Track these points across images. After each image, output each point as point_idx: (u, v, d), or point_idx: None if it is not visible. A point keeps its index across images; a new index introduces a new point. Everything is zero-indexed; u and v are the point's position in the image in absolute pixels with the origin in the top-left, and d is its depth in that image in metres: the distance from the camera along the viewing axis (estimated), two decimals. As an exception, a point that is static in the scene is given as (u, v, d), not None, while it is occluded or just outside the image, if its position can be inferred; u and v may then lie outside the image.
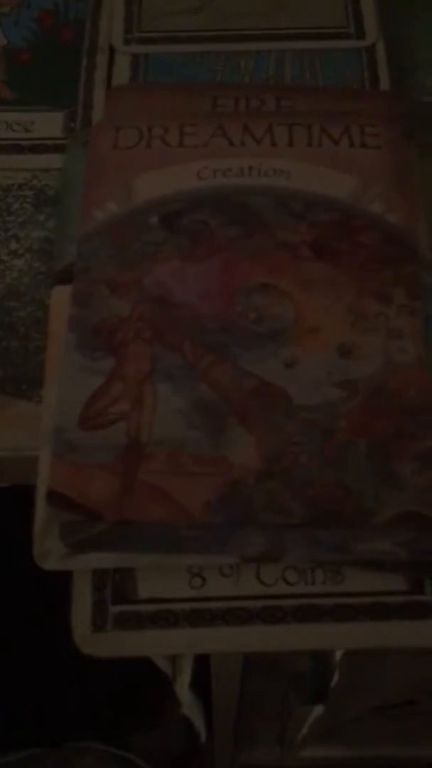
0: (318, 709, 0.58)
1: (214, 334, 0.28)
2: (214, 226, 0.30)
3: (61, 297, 0.29)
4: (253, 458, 0.25)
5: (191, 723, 0.66)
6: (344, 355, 0.27)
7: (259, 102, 0.33)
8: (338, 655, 0.44)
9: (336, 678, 0.49)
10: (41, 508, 0.25)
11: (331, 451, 0.25)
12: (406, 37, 0.36)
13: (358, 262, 0.29)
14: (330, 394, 0.26)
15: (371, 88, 0.34)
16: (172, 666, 0.51)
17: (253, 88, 0.34)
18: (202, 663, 0.46)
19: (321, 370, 0.27)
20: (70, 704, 0.66)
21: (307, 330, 0.28)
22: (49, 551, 0.24)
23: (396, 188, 0.30)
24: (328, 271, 0.29)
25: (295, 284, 0.28)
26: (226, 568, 0.25)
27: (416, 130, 0.33)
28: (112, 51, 0.36)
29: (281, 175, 0.31)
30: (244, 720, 0.65)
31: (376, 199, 0.30)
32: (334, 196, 0.30)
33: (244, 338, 0.27)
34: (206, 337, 0.27)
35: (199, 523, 0.24)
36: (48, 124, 0.34)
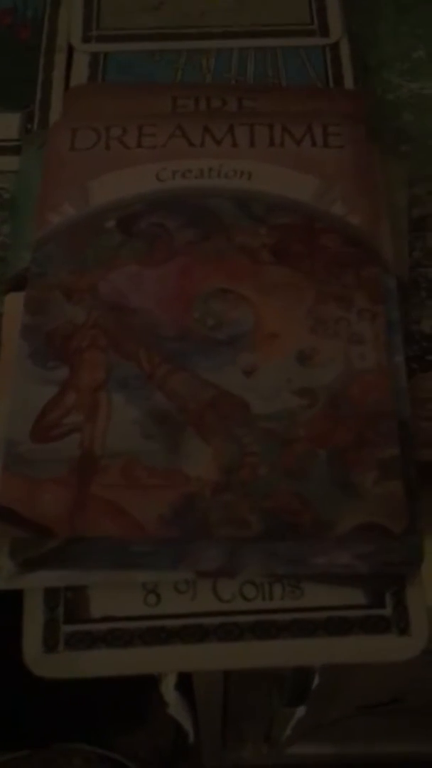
0: (300, 710, 0.58)
1: (171, 342, 0.27)
2: (172, 230, 0.29)
3: (14, 304, 0.28)
4: (210, 470, 0.25)
5: (179, 723, 0.65)
6: (304, 362, 0.26)
7: (220, 102, 0.32)
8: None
9: (316, 680, 0.49)
10: (-9, 524, 0.24)
11: (291, 461, 0.25)
12: (371, 34, 0.36)
13: (319, 265, 0.28)
14: (289, 402, 0.26)
15: (335, 87, 0.33)
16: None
17: (214, 88, 0.33)
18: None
19: (280, 378, 0.26)
20: (57, 706, 0.66)
21: (266, 336, 0.27)
22: (-1, 569, 0.24)
23: (358, 189, 0.29)
24: (288, 275, 0.28)
25: (254, 289, 0.28)
26: (181, 584, 0.24)
27: (380, 129, 0.32)
28: (70, 50, 0.35)
29: (242, 177, 0.30)
30: (230, 719, 0.64)
31: (338, 200, 0.29)
32: (296, 197, 0.29)
33: (201, 345, 0.27)
34: (163, 345, 0.27)
35: (153, 537, 0.24)
36: (3, 125, 0.33)
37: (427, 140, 0.33)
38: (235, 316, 0.27)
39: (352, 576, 0.24)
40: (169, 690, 0.52)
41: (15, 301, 0.28)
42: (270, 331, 0.27)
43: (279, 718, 0.64)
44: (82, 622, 0.24)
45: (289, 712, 0.59)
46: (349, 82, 0.33)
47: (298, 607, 0.24)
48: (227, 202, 0.29)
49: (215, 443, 0.25)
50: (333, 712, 0.60)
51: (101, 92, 0.34)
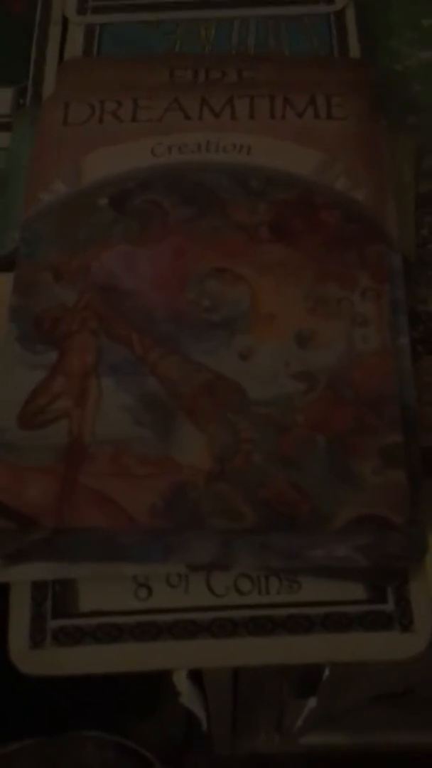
0: (311, 701, 0.57)
1: (165, 325, 0.26)
2: (167, 207, 0.28)
3: (2, 286, 0.27)
4: (204, 458, 0.23)
5: (191, 711, 0.65)
6: (303, 344, 0.25)
7: (219, 73, 0.31)
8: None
9: (327, 672, 0.48)
10: (-24, 514, 0.23)
11: (287, 449, 0.24)
12: (378, 1, 0.34)
13: (320, 243, 0.27)
14: (287, 387, 0.24)
15: (339, 56, 0.32)
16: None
17: (212, 59, 0.32)
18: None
19: (278, 361, 0.25)
20: (69, 693, 0.65)
21: (263, 317, 0.26)
22: (-17, 562, 0.23)
23: (363, 163, 0.28)
24: (287, 253, 0.27)
25: (251, 268, 0.26)
26: (173, 577, 0.23)
27: (387, 100, 0.30)
28: (65, 22, 0.34)
29: (241, 151, 0.29)
30: (241, 708, 0.64)
31: (341, 175, 0.28)
32: (297, 172, 0.28)
33: (196, 328, 0.25)
34: (156, 327, 0.26)
35: (143, 528, 0.23)
36: (-4, 101, 0.32)
37: (437, 111, 0.31)
38: (231, 296, 0.26)
39: (351, 569, 0.22)
40: (181, 679, 0.52)
41: (3, 282, 0.27)
42: (267, 311, 0.26)
43: (290, 708, 0.63)
44: (71, 617, 0.23)
45: (300, 703, 0.59)
46: (354, 52, 0.32)
47: (296, 602, 0.23)
48: (225, 178, 0.28)
49: (209, 430, 0.24)
50: (345, 703, 0.59)
51: (96, 65, 0.32)
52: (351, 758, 0.71)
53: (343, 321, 0.25)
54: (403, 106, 0.31)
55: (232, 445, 0.24)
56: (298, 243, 0.27)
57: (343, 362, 0.25)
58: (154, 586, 0.23)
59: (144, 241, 0.27)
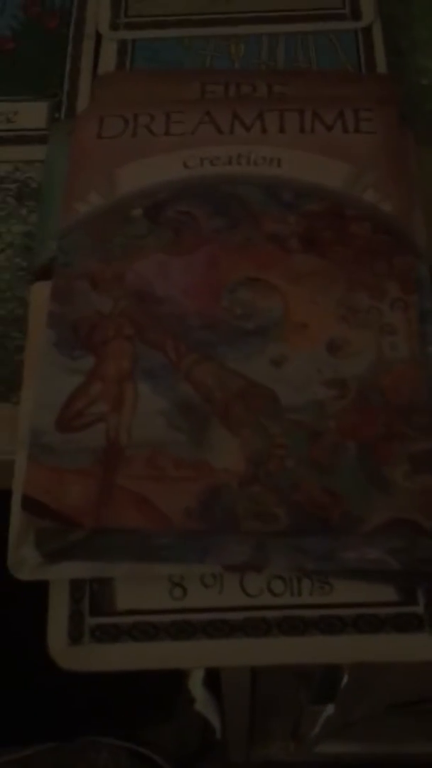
0: (329, 708, 0.57)
1: (199, 332, 0.26)
2: (199, 218, 0.28)
3: (41, 293, 0.28)
4: (237, 462, 0.24)
5: (206, 718, 0.65)
6: (334, 352, 0.26)
7: (249, 88, 0.32)
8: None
9: (345, 679, 0.48)
10: (16, 514, 0.24)
11: (319, 454, 0.24)
12: (404, 17, 0.35)
13: (350, 254, 0.27)
14: (319, 394, 0.25)
15: (367, 71, 0.33)
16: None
17: (243, 74, 0.33)
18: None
19: (310, 368, 0.25)
20: (85, 699, 0.66)
21: (295, 326, 0.26)
22: (24, 560, 0.23)
23: (391, 176, 0.29)
24: (318, 263, 0.27)
25: (283, 278, 0.27)
26: (208, 577, 0.24)
27: (413, 114, 0.31)
28: (98, 38, 0.35)
29: (271, 164, 0.29)
30: (257, 716, 0.64)
31: (369, 188, 0.29)
32: (326, 184, 0.29)
33: (229, 335, 0.26)
34: (190, 334, 0.26)
35: (179, 530, 0.23)
36: (32, 114, 0.33)
37: (463, 125, 0.32)
38: (263, 305, 0.27)
39: (383, 572, 0.23)
40: (196, 686, 0.52)
41: (42, 290, 0.28)
42: (299, 320, 0.26)
43: (307, 715, 0.64)
44: (108, 615, 0.23)
45: (318, 709, 0.59)
46: (381, 67, 0.33)
47: (327, 603, 0.23)
48: (256, 190, 0.29)
49: (243, 434, 0.25)
50: (362, 711, 0.59)
51: (129, 80, 0.33)
52: (366, 767, 0.71)
53: (372, 330, 0.26)
54: (429, 120, 0.32)
55: (266, 450, 0.24)
56: (328, 254, 0.27)
57: (373, 370, 0.25)
58: (189, 586, 0.24)
59: (178, 250, 0.28)
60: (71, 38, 0.35)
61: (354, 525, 0.23)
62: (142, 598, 0.23)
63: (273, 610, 0.23)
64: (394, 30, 0.34)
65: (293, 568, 0.23)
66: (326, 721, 0.60)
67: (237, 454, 0.24)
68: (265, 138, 0.30)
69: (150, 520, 0.23)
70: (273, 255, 0.28)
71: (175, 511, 0.23)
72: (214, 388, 0.25)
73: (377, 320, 0.26)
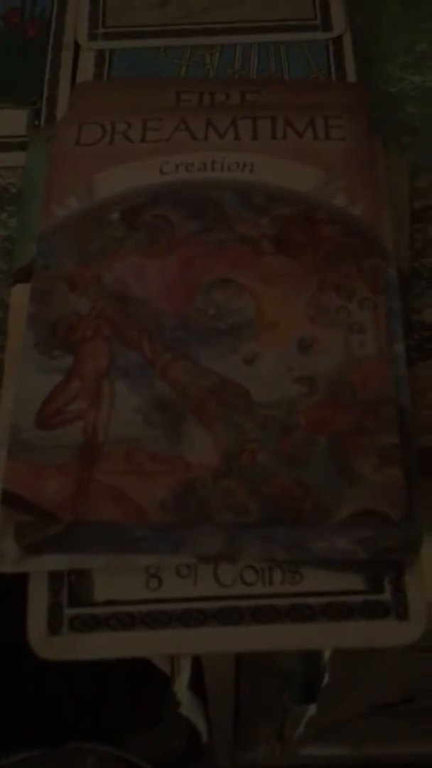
0: (312, 708, 0.58)
1: (173, 331, 0.27)
2: (175, 222, 0.29)
3: (21, 295, 0.28)
4: (211, 456, 0.25)
5: (192, 723, 0.66)
6: (304, 350, 0.27)
7: (223, 96, 0.33)
8: (327, 655, 0.44)
9: (326, 678, 0.49)
10: (-3, 509, 0.25)
11: (290, 448, 0.25)
12: (375, 27, 0.36)
13: (320, 255, 0.28)
14: (289, 390, 0.26)
15: (337, 80, 0.34)
16: (170, 666, 0.51)
17: (217, 83, 0.34)
18: (200, 664, 0.46)
19: (281, 366, 0.26)
20: (71, 705, 0.66)
21: (267, 325, 0.27)
22: (4, 553, 0.24)
23: (360, 181, 0.30)
24: (289, 265, 0.28)
25: (255, 279, 0.28)
26: (183, 568, 0.24)
27: (382, 121, 0.32)
28: (77, 47, 0.35)
29: (244, 169, 0.30)
30: (242, 719, 0.64)
31: (339, 192, 0.29)
32: (298, 189, 0.30)
33: (203, 335, 0.27)
34: (165, 334, 0.27)
35: (154, 523, 0.24)
36: (12, 121, 0.34)
37: (429, 132, 0.33)
38: (236, 305, 0.28)
39: (351, 562, 0.24)
40: (182, 689, 0.52)
41: (21, 292, 0.28)
42: (271, 320, 0.27)
43: (291, 717, 0.64)
44: (86, 606, 0.24)
45: (301, 710, 0.60)
46: (351, 76, 0.34)
47: (298, 592, 0.24)
48: (229, 194, 0.30)
49: (216, 430, 0.25)
50: (345, 711, 0.60)
51: (107, 88, 0.34)
52: (352, 769, 0.72)
53: (341, 329, 0.27)
54: (397, 127, 0.33)
55: (238, 445, 0.25)
56: (299, 255, 0.28)
57: (342, 367, 0.26)
58: (165, 576, 0.24)
59: (153, 253, 0.29)
60: (50, 48, 0.36)
61: (323, 516, 0.24)
62: (119, 588, 0.24)
63: (246, 600, 0.24)
64: (364, 40, 0.35)
65: (265, 558, 0.24)
66: (310, 722, 0.61)
67: (211, 448, 0.25)
68: (238, 144, 0.31)
69: (126, 513, 0.24)
70: (245, 257, 0.28)
71: (151, 504, 0.24)
72: (188, 385, 0.26)
73: (346, 319, 0.27)
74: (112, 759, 0.69)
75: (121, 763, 0.69)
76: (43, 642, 0.24)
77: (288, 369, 0.26)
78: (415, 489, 0.24)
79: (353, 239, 0.29)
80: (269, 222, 0.29)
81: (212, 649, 0.24)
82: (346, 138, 0.31)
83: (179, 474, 0.25)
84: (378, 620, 0.24)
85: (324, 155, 0.30)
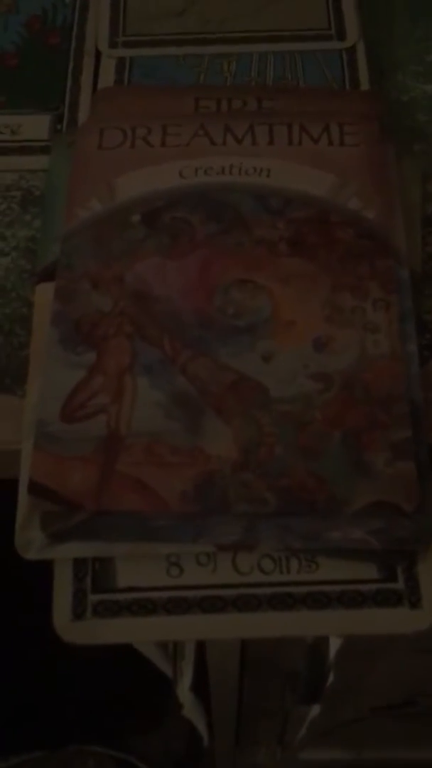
0: (315, 709, 0.58)
1: (193, 329, 0.28)
2: (194, 224, 0.30)
3: (45, 294, 0.29)
4: (230, 449, 0.26)
5: (193, 726, 0.66)
6: (320, 349, 0.28)
7: (240, 103, 0.34)
8: (332, 655, 0.45)
9: (331, 678, 0.49)
10: (23, 499, 0.25)
11: (306, 442, 0.26)
12: (387, 37, 0.37)
13: (335, 257, 0.29)
14: (306, 386, 0.27)
15: (351, 88, 0.35)
16: (173, 668, 0.52)
17: (234, 90, 0.35)
18: (202, 666, 0.47)
19: (297, 363, 0.27)
20: (72, 707, 0.67)
21: (284, 324, 0.28)
22: (31, 541, 0.25)
23: (373, 185, 0.31)
24: (305, 266, 0.29)
25: (272, 279, 0.29)
26: (202, 557, 0.25)
27: (395, 128, 0.33)
28: (98, 54, 0.37)
29: (261, 173, 0.31)
30: (244, 721, 0.65)
31: (353, 196, 0.30)
32: (313, 193, 0.31)
33: (222, 333, 0.28)
34: (185, 331, 0.28)
35: (175, 512, 0.25)
36: (35, 126, 0.35)
37: (441, 139, 0.34)
38: (254, 305, 0.28)
39: (365, 551, 0.25)
40: (184, 691, 0.53)
41: (45, 290, 0.29)
42: (288, 319, 0.28)
43: (293, 718, 0.65)
44: (109, 592, 0.25)
45: (304, 711, 0.60)
46: (364, 84, 0.35)
47: (314, 581, 0.25)
48: (247, 198, 0.31)
49: (235, 424, 0.26)
50: (347, 713, 0.60)
51: (127, 94, 0.35)
52: (352, 773, 0.72)
53: (356, 328, 0.28)
54: (409, 134, 0.34)
55: (256, 439, 0.26)
56: (314, 257, 0.29)
57: (357, 365, 0.27)
58: (185, 564, 0.25)
59: (173, 253, 0.30)
60: (72, 55, 0.37)
61: (338, 507, 0.25)
62: (141, 576, 0.25)
63: (263, 587, 0.25)
64: (377, 50, 0.36)
65: (282, 547, 0.25)
66: (312, 723, 0.61)
67: (230, 442, 0.26)
68: (255, 150, 0.32)
69: (148, 503, 0.25)
70: (263, 258, 0.29)
71: (172, 494, 0.25)
72: (208, 381, 0.27)
73: (361, 319, 0.28)
74: (112, 761, 0.69)
75: (122, 766, 0.69)
76: (68, 627, 0.24)
77: (304, 366, 0.27)
78: (428, 482, 0.25)
79: (367, 242, 0.30)
80: (285, 225, 0.30)
81: (230, 635, 0.25)
82: (359, 144, 0.32)
83: (199, 466, 0.25)
84: (391, 608, 0.24)
85: (338, 161, 0.31)
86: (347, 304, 0.28)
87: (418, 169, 0.32)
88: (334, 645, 0.43)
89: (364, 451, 0.26)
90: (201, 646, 0.41)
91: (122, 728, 0.72)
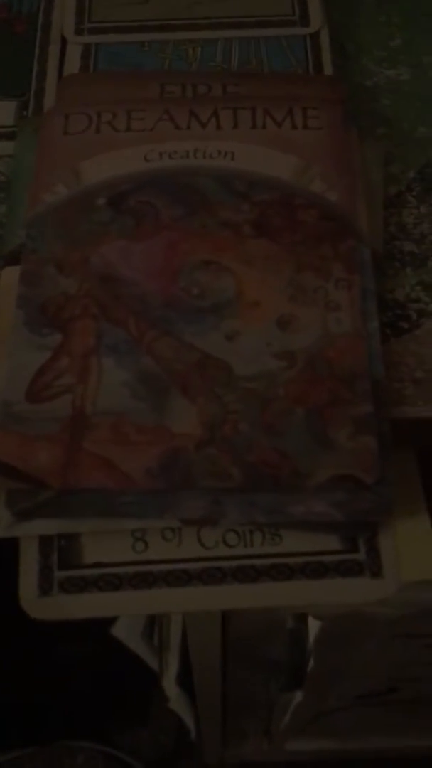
0: (298, 696, 0.59)
1: (158, 310, 0.28)
2: (159, 207, 0.31)
3: (10, 277, 0.30)
4: (194, 427, 0.26)
5: (180, 720, 0.66)
6: (283, 327, 0.28)
7: (205, 88, 0.34)
8: (311, 640, 0.45)
9: (311, 663, 0.50)
10: (-11, 479, 0.26)
11: (270, 419, 0.26)
12: (351, 23, 0.37)
13: (298, 238, 0.30)
14: (269, 364, 0.27)
15: (314, 73, 0.35)
16: (158, 661, 0.52)
17: (199, 75, 0.35)
18: (188, 659, 0.47)
19: (261, 342, 0.28)
20: (60, 703, 0.67)
21: (248, 304, 0.28)
22: (-3, 520, 0.25)
23: (336, 168, 0.31)
24: (269, 247, 0.30)
25: (237, 261, 0.29)
26: (168, 532, 0.26)
27: (358, 112, 0.34)
28: (63, 42, 0.37)
29: (226, 157, 0.32)
30: (230, 713, 0.65)
31: (316, 178, 0.31)
32: (277, 175, 0.31)
33: (186, 313, 0.28)
34: (150, 312, 0.28)
35: (140, 489, 0.25)
36: (1, 112, 0.35)
37: (402, 123, 0.34)
38: (218, 285, 0.29)
39: (327, 523, 0.25)
40: (170, 684, 0.53)
41: (11, 274, 0.30)
42: (252, 299, 0.29)
43: (277, 706, 0.65)
44: (75, 568, 0.25)
45: (287, 698, 0.61)
46: (328, 69, 0.35)
47: (277, 553, 0.25)
48: (211, 181, 0.31)
49: (199, 402, 0.27)
50: (330, 701, 0.61)
51: (93, 80, 0.35)
52: (339, 764, 0.73)
53: (318, 307, 0.28)
54: (372, 118, 0.34)
55: (221, 416, 0.26)
56: (278, 239, 0.30)
57: (319, 343, 0.28)
58: (150, 539, 0.25)
59: (138, 236, 0.30)
60: (38, 42, 0.37)
61: (301, 481, 0.25)
62: (107, 551, 0.25)
63: (228, 561, 0.25)
64: (341, 36, 0.37)
65: (246, 521, 0.25)
66: (296, 711, 0.62)
67: (194, 420, 0.26)
68: (219, 134, 0.32)
69: (113, 480, 0.25)
70: (227, 240, 0.30)
71: (137, 471, 0.25)
72: (173, 360, 0.27)
73: (323, 298, 0.29)
74: (101, 756, 0.69)
75: (111, 761, 0.69)
76: (35, 603, 0.25)
77: (267, 344, 0.28)
78: (388, 455, 0.26)
79: (330, 223, 0.30)
80: (250, 207, 0.30)
81: (196, 607, 0.25)
82: (323, 128, 0.32)
83: (164, 443, 0.26)
84: (353, 578, 0.25)
85: (302, 144, 0.32)
86: (310, 284, 0.29)
87: (381, 151, 0.32)
88: (313, 630, 0.43)
89: (327, 427, 0.26)
90: (186, 637, 0.41)
91: (111, 723, 0.72)
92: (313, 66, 0.35)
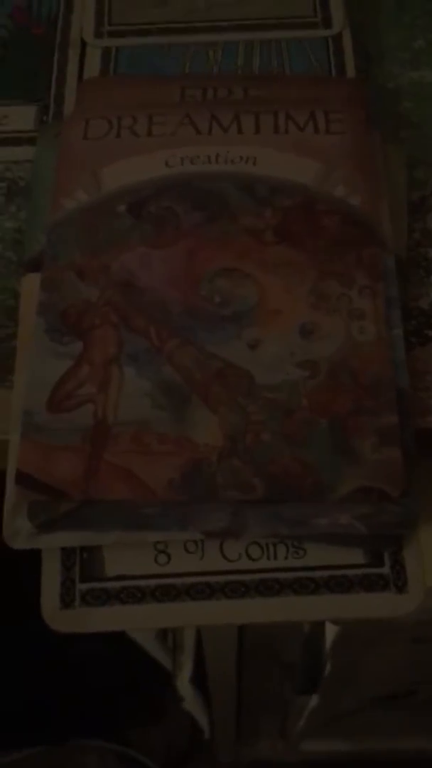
0: (314, 699, 0.59)
1: (179, 318, 0.28)
2: (180, 213, 0.30)
3: (31, 284, 0.29)
4: (216, 437, 0.26)
5: (194, 719, 0.66)
6: (306, 336, 0.28)
7: (226, 91, 0.34)
8: (328, 645, 0.45)
9: (328, 667, 0.49)
10: (10, 488, 0.26)
11: (293, 429, 0.26)
12: (373, 24, 0.37)
13: (321, 245, 0.29)
14: (292, 374, 0.27)
15: (337, 76, 0.35)
16: (172, 661, 0.52)
17: (220, 78, 0.35)
18: (202, 659, 0.47)
19: (283, 351, 0.27)
20: (73, 702, 0.67)
21: (270, 312, 0.28)
22: (18, 531, 0.25)
23: (359, 172, 0.31)
24: (291, 254, 0.29)
25: (258, 268, 0.29)
26: (190, 544, 0.25)
27: (380, 116, 0.33)
28: (83, 45, 0.36)
29: (247, 162, 0.31)
30: (244, 713, 0.65)
31: (339, 183, 0.30)
32: (299, 180, 0.31)
33: (208, 321, 0.28)
34: (171, 320, 0.28)
35: (162, 500, 0.25)
36: (21, 117, 0.35)
37: (426, 126, 0.34)
38: (240, 293, 0.28)
39: (351, 536, 0.25)
40: (184, 684, 0.53)
41: (32, 281, 0.29)
42: (274, 307, 0.28)
43: (293, 709, 0.65)
44: (97, 581, 0.25)
45: (303, 701, 0.60)
46: (351, 72, 0.35)
47: (301, 566, 0.25)
48: (233, 186, 0.31)
49: (221, 412, 0.26)
50: (346, 704, 0.61)
51: (113, 84, 0.35)
52: (353, 765, 0.73)
53: (342, 315, 0.28)
54: (395, 121, 0.34)
55: (243, 426, 0.26)
56: (300, 245, 0.29)
57: (343, 352, 0.27)
58: (173, 552, 0.25)
59: (159, 243, 0.30)
60: (58, 45, 0.37)
61: (325, 493, 0.25)
62: (129, 564, 0.25)
63: (251, 574, 0.25)
64: (363, 38, 0.36)
65: (269, 534, 0.25)
66: (311, 714, 0.62)
67: (216, 430, 0.26)
68: (241, 138, 0.32)
69: (135, 491, 0.25)
70: (249, 247, 0.29)
71: (159, 483, 0.25)
72: (194, 370, 0.27)
73: (346, 306, 0.28)
74: (114, 755, 0.69)
75: (124, 760, 0.70)
76: (57, 615, 0.25)
77: (290, 354, 0.27)
78: (413, 468, 0.25)
79: (352, 229, 0.30)
80: (272, 213, 0.30)
81: (219, 621, 0.25)
82: (345, 132, 0.32)
83: (186, 454, 0.26)
84: (378, 592, 0.24)
85: (324, 148, 0.31)
86: (333, 291, 0.28)
87: (404, 155, 0.32)
88: (331, 634, 0.43)
89: (350, 438, 0.26)
90: (200, 638, 0.41)
91: (124, 722, 0.72)
92: (336, 68, 0.35)
